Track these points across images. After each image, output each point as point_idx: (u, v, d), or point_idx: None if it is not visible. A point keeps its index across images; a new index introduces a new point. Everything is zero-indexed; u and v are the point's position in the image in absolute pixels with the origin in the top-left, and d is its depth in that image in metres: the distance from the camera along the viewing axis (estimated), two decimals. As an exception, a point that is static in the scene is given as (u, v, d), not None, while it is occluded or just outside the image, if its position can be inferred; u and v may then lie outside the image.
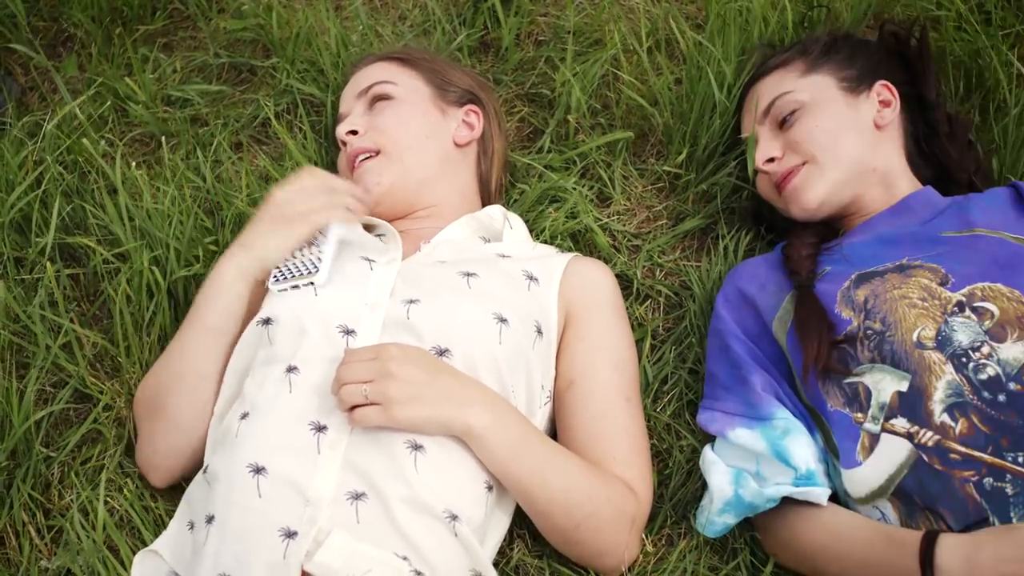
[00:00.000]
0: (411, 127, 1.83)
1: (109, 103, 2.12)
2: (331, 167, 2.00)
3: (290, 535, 1.42)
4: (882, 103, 1.86)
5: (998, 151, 1.94)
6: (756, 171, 1.85)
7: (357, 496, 1.46)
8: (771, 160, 1.81)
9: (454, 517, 1.49)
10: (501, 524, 1.63)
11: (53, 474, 1.73)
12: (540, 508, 1.57)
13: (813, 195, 1.78)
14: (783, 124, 1.82)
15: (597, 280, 1.76)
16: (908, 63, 1.94)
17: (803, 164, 1.79)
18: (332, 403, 1.51)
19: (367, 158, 1.81)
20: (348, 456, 1.48)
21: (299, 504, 1.44)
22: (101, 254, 1.88)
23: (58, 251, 1.92)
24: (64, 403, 1.80)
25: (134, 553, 1.58)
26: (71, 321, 1.86)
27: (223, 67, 2.21)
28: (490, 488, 1.56)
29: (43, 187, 1.94)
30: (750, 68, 1.93)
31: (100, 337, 1.85)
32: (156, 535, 1.66)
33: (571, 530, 1.58)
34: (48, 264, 1.85)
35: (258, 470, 1.47)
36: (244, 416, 1.54)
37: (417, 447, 1.49)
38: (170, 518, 1.66)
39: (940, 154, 1.90)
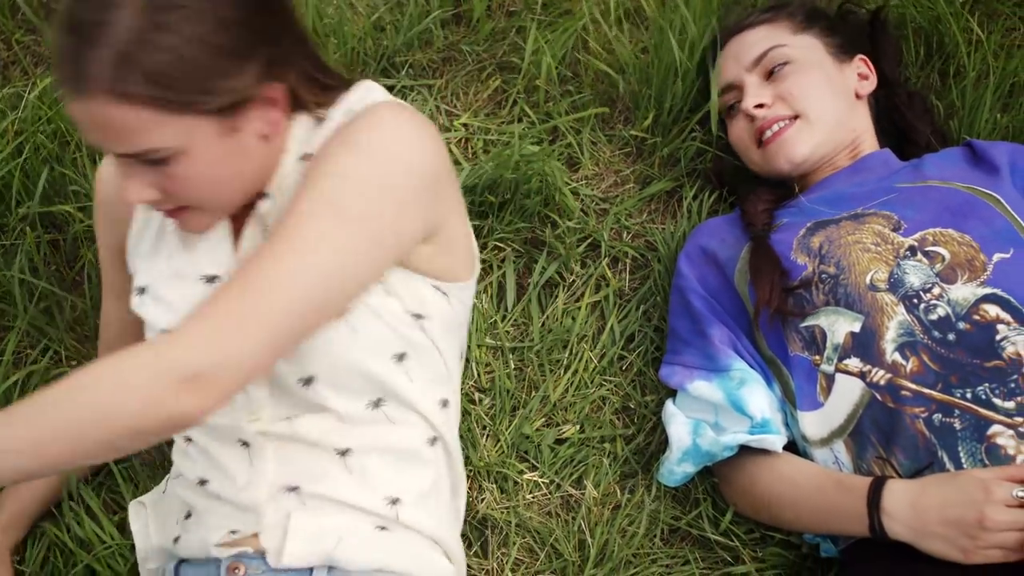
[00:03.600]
0: None
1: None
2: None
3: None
4: (860, 76, 1.90)
5: (956, 113, 1.98)
6: (729, 120, 1.89)
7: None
8: (760, 106, 1.84)
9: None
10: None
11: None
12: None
13: (802, 150, 1.79)
14: (772, 76, 1.85)
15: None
16: (873, 44, 1.98)
17: (794, 118, 1.81)
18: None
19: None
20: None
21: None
22: (81, 220, 1.92)
23: (38, 219, 1.96)
24: (43, 365, 1.83)
25: (113, 511, 1.62)
26: (50, 285, 1.89)
27: (201, 42, 2.25)
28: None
29: (24, 156, 1.97)
30: (724, 24, 1.97)
31: (79, 300, 1.89)
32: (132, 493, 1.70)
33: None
34: (28, 230, 1.89)
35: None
36: None
37: None
38: (147, 472, 1.69)
39: (899, 122, 1.94)
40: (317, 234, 1.28)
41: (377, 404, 1.45)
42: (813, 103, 1.80)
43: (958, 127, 1.97)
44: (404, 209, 1.35)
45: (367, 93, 1.46)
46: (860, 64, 1.91)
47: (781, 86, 1.82)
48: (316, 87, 1.44)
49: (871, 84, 1.90)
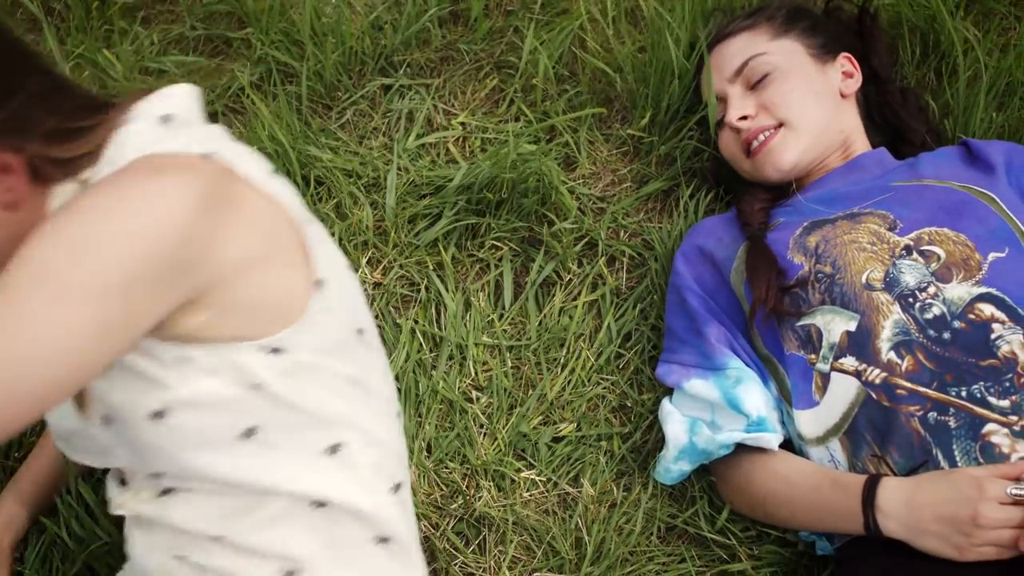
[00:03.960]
0: None
1: (87, 73, 2.16)
2: (303, 130, 2.05)
3: None
4: (845, 74, 1.91)
5: (951, 112, 1.99)
6: (719, 131, 1.89)
7: None
8: (744, 118, 1.85)
9: None
10: None
11: None
12: None
13: (789, 157, 1.80)
14: (755, 85, 1.86)
15: None
16: (861, 39, 1.99)
17: (778, 127, 1.81)
18: None
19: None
20: None
21: None
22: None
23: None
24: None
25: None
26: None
27: (199, 39, 2.25)
28: None
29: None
30: (708, 33, 1.97)
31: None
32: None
33: None
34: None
35: None
36: None
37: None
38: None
39: (893, 120, 1.95)
40: (21, 307, 1.06)
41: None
42: (796, 110, 1.81)
43: (953, 126, 1.97)
44: (137, 284, 1.10)
45: (131, 139, 1.23)
46: (844, 62, 1.91)
47: (764, 95, 1.83)
48: (71, 140, 1.23)
49: (856, 82, 1.91)
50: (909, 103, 1.97)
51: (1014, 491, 1.41)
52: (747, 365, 1.71)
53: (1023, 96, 1.98)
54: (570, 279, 1.95)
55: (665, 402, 1.75)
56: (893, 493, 1.48)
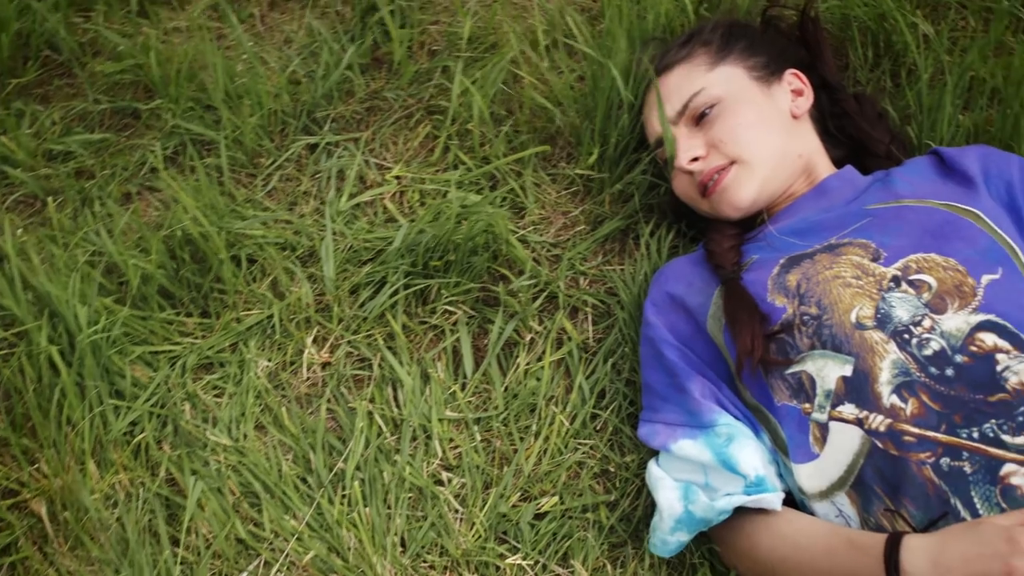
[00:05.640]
0: None
1: (-16, 167, 2.00)
2: (227, 205, 1.89)
3: None
4: (794, 92, 1.79)
5: (914, 117, 1.88)
6: (674, 171, 1.77)
7: None
8: (695, 159, 1.73)
9: None
10: None
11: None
12: None
13: (745, 194, 1.69)
14: (700, 120, 1.73)
15: None
16: (807, 47, 1.88)
17: (730, 164, 1.70)
18: None
19: None
20: None
21: None
22: (-5, 332, 1.77)
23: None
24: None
25: None
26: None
27: (104, 113, 2.09)
28: None
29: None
30: (646, 64, 1.85)
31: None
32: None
33: None
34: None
35: None
36: None
37: None
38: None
39: (853, 131, 1.84)
40: None
41: None
42: (746, 145, 1.70)
43: (918, 131, 1.86)
44: None
45: None
46: (791, 79, 1.80)
47: (711, 132, 1.72)
48: None
49: (807, 100, 1.80)
50: (866, 110, 1.86)
51: (1047, 540, 1.29)
52: (737, 418, 1.59)
53: (990, 95, 1.87)
54: (532, 338, 1.81)
55: (652, 466, 1.62)
56: (918, 553, 1.35)
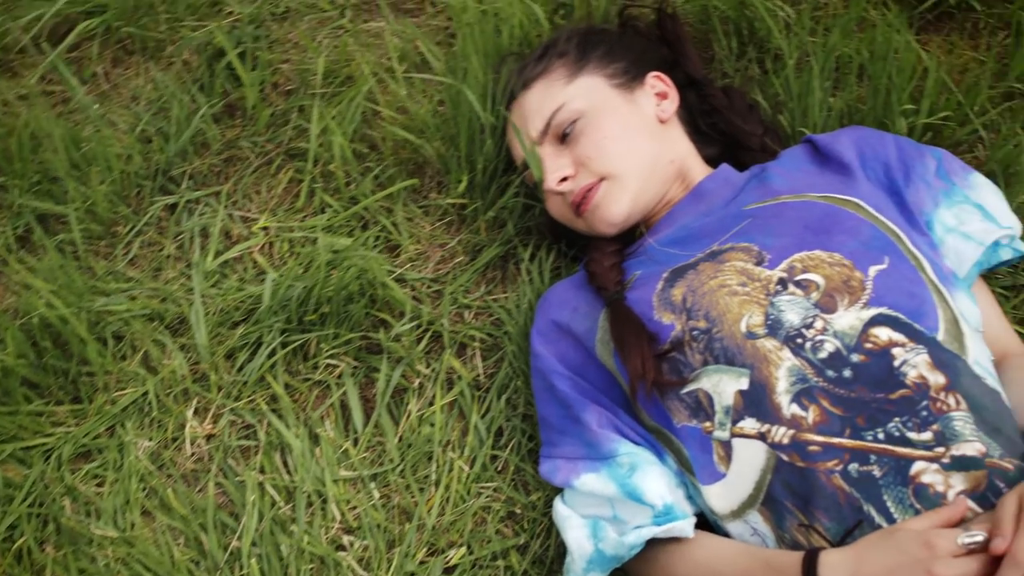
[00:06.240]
0: None
1: None
2: (86, 282, 1.79)
3: None
4: (659, 95, 1.73)
5: (785, 105, 1.82)
6: (545, 193, 1.70)
7: None
8: (565, 179, 1.66)
9: None
10: None
11: None
12: None
13: (618, 210, 1.63)
14: (565, 138, 1.67)
15: None
16: (668, 45, 1.82)
17: (600, 181, 1.63)
18: None
19: None
20: None
21: None
22: None
23: None
24: None
25: None
26: None
27: (-56, 200, 1.98)
28: None
29: None
30: (504, 83, 1.77)
31: None
32: None
33: None
34: None
35: None
36: None
37: None
38: None
39: (724, 127, 1.78)
40: None
41: None
42: (614, 159, 1.63)
43: (790, 119, 1.81)
44: None
45: None
46: (654, 82, 1.74)
47: (577, 149, 1.65)
48: None
49: (673, 102, 1.74)
50: (736, 103, 1.81)
51: (966, 540, 1.24)
52: (638, 444, 1.52)
53: (858, 72, 1.82)
54: (421, 382, 1.73)
55: (558, 504, 1.55)
56: (836, 570, 1.29)
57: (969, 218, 1.58)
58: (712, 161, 1.76)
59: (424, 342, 1.75)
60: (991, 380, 1.40)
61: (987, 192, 1.62)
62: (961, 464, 1.31)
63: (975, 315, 1.51)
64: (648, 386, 1.46)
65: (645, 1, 1.93)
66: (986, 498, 1.29)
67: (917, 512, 1.30)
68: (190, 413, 1.73)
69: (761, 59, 1.90)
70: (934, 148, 1.64)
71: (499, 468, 1.67)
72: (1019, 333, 1.63)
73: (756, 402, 1.40)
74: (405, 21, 2.06)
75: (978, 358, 1.41)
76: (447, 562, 1.60)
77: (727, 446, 1.42)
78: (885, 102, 1.74)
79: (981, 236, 1.56)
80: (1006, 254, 1.60)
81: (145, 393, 1.74)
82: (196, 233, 1.89)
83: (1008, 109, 1.78)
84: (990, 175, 1.72)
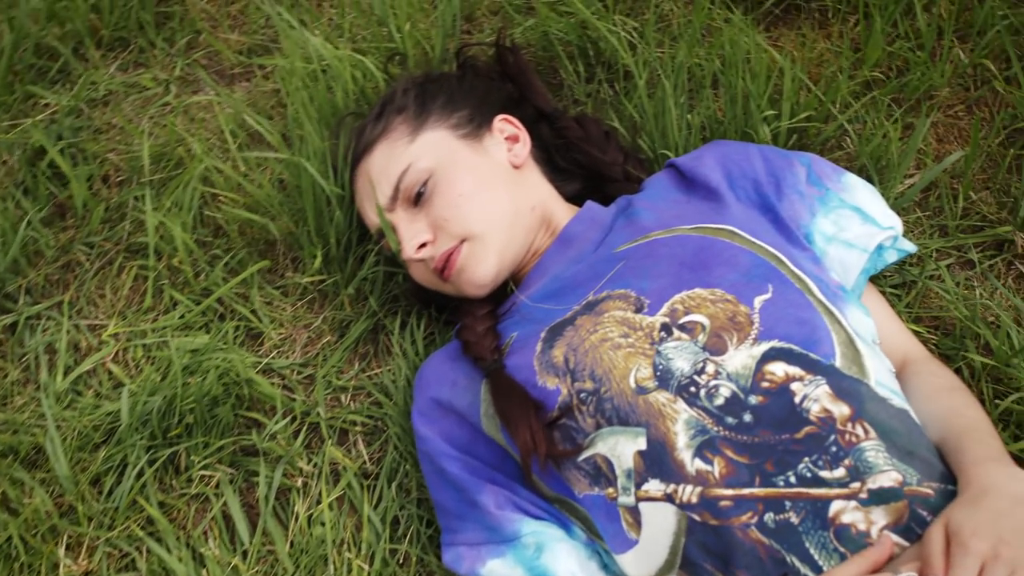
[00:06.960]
0: None
1: None
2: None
3: None
4: (509, 139, 1.63)
5: (643, 128, 1.74)
6: (406, 261, 1.59)
7: None
8: (423, 245, 1.55)
9: None
10: None
11: None
12: None
13: (485, 270, 1.53)
14: (419, 198, 1.55)
15: None
16: (512, 81, 1.72)
17: (461, 243, 1.53)
18: None
19: None
20: None
21: None
22: None
23: None
24: None
25: None
26: None
27: None
28: None
29: None
30: (345, 147, 1.66)
31: None
32: None
33: None
34: None
35: None
36: None
37: None
38: None
39: (583, 159, 1.69)
40: None
41: None
42: (472, 218, 1.53)
43: (650, 142, 1.72)
44: None
45: None
46: (503, 126, 1.64)
47: (432, 212, 1.54)
48: None
49: (525, 144, 1.64)
50: (591, 133, 1.71)
51: (899, 582, 1.17)
52: (541, 519, 1.43)
53: (713, 83, 1.74)
54: (305, 480, 1.61)
55: (469, 594, 1.45)
56: None
57: (848, 223, 1.51)
58: (576, 198, 1.67)
59: (302, 435, 1.63)
60: (897, 400, 1.33)
61: (863, 192, 1.55)
62: (880, 497, 1.23)
63: (869, 328, 1.44)
64: (541, 459, 1.37)
65: (481, 39, 1.82)
66: (911, 529, 1.22)
67: (842, 556, 1.22)
68: (61, 551, 1.59)
69: (612, 80, 1.82)
70: (802, 153, 1.57)
71: (400, 562, 1.56)
72: (914, 331, 1.56)
73: (658, 462, 1.31)
74: (235, 89, 1.94)
75: (880, 378, 1.33)
76: (360, 673, 1.49)
77: (634, 512, 1.33)
78: (744, 111, 1.67)
79: (864, 242, 1.50)
80: (891, 256, 1.54)
81: (8, 538, 1.60)
82: (41, 351, 1.74)
83: (871, 100, 1.72)
84: (862, 170, 1.66)
